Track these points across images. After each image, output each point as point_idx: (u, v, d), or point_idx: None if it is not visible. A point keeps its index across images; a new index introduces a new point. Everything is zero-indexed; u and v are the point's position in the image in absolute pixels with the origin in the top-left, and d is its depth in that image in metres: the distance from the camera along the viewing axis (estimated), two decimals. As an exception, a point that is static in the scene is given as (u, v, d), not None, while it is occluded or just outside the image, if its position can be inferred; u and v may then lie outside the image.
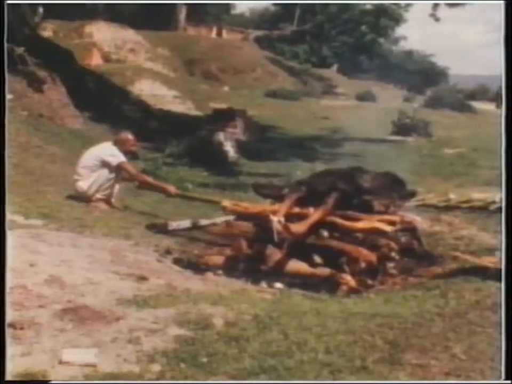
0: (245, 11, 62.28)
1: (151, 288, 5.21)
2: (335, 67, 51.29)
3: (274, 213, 6.56)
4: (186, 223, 8.01)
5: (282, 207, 6.74)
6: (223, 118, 18.20)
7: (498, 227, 8.24)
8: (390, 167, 10.02)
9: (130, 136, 9.20)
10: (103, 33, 34.42)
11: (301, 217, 6.67)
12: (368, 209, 6.79)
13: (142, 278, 5.49)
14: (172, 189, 9.05)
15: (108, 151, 8.89)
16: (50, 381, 3.44)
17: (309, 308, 4.81)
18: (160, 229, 7.71)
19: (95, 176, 8.74)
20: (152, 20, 38.24)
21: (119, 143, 9.00)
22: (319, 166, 11.70)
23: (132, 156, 9.40)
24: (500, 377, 3.64)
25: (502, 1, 4.13)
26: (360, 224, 6.57)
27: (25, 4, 16.80)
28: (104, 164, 8.77)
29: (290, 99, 33.03)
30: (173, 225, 7.88)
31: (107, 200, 8.87)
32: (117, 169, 8.82)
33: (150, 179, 9.51)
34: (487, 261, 6.49)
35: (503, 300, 3.85)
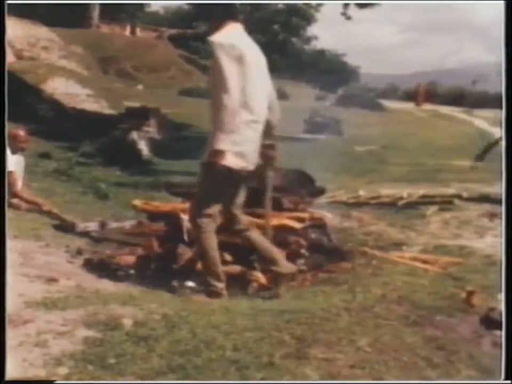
0: (159, 9, 61.85)
1: (61, 290, 5.11)
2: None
3: (185, 211, 6.53)
4: (94, 225, 7.90)
5: (194, 206, 6.70)
6: (137, 116, 18.03)
7: (405, 222, 8.48)
8: (302, 165, 10.14)
9: (21, 132, 8.84)
10: (15, 30, 33.54)
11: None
12: (277, 206, 6.82)
13: (52, 280, 5.39)
14: (45, 206, 8.67)
15: None
16: (53, 381, 3.43)
17: (218, 306, 4.81)
18: (67, 230, 7.59)
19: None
20: (65, 17, 37.54)
21: (8, 140, 8.72)
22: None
23: (22, 152, 9.02)
24: (401, 368, 3.72)
25: (502, 1, 4.17)
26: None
27: None
28: None
29: (205, 97, 32.93)
30: (80, 226, 7.77)
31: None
32: None
33: (25, 193, 8.97)
34: (395, 256, 6.65)
35: (504, 300, 3.91)
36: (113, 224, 8.09)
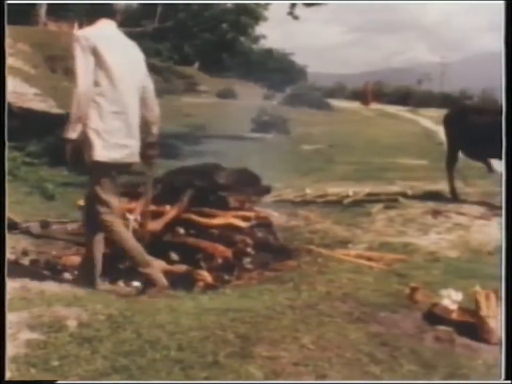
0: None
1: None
2: (196, 65, 51.38)
3: (131, 211, 6.50)
4: (36, 225, 7.80)
5: (139, 205, 6.69)
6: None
7: (351, 220, 8.56)
8: (250, 164, 10.16)
9: None
10: (-43, 28, 32.84)
11: (157, 215, 6.64)
12: (223, 205, 6.84)
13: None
14: None
15: None
16: (53, 381, 3.42)
17: (164, 306, 4.79)
18: (9, 228, 7.48)
19: None
20: (11, 15, 36.87)
21: None
22: (181, 164, 11.70)
23: None
24: (344, 364, 3.76)
25: (502, 1, 4.18)
26: (215, 221, 6.62)
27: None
28: None
29: (157, 96, 32.81)
30: (22, 226, 7.66)
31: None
32: None
33: None
34: (340, 253, 6.71)
35: (503, 300, 3.93)
36: (59, 225, 8.00)
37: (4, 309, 3.78)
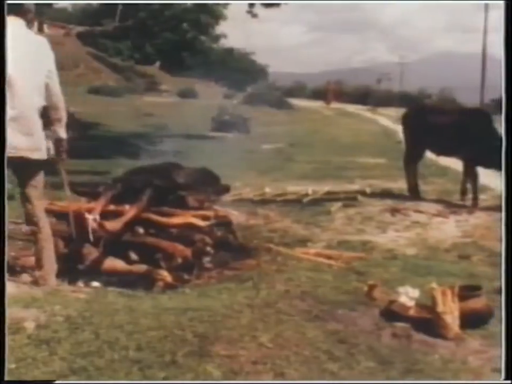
0: (67, 6, 60.60)
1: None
2: (157, 64, 51.23)
3: (90, 211, 6.45)
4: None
5: (98, 205, 6.64)
6: (43, 115, 17.61)
7: (310, 219, 8.61)
8: (210, 163, 10.13)
9: None
10: None
11: (116, 215, 6.60)
12: (183, 205, 6.82)
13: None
14: None
15: None
16: (53, 381, 3.41)
17: (122, 306, 4.77)
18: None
19: None
20: None
21: None
22: (142, 163, 11.65)
23: None
24: (302, 362, 3.79)
25: (502, 1, 4.19)
26: (175, 220, 6.60)
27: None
28: None
29: (114, 96, 32.68)
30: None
31: None
32: None
33: None
34: (299, 252, 6.74)
35: (503, 301, 3.92)
36: (17, 225, 7.89)
37: (3, 309, 3.75)
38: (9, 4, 5.52)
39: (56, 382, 3.45)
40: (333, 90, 52.81)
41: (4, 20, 4.19)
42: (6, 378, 3.49)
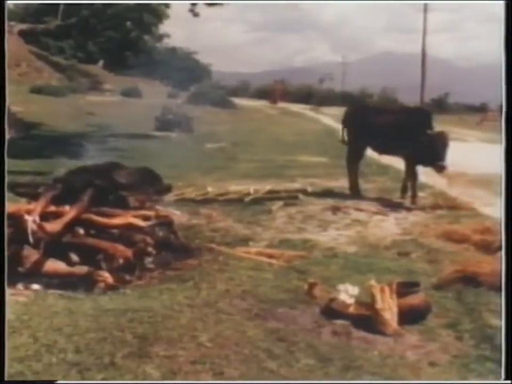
0: (9, 3, 59.50)
1: None
2: (101, 63, 50.68)
3: (29, 212, 6.35)
4: None
5: (37, 206, 6.54)
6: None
7: (252, 218, 8.63)
8: (153, 163, 10.09)
9: None
10: None
11: (56, 216, 6.52)
12: (123, 205, 6.78)
13: None
14: None
15: None
16: (53, 381, 3.41)
17: (62, 308, 4.73)
18: None
19: None
20: None
21: None
22: (85, 163, 11.53)
23: None
24: (241, 361, 3.80)
25: (502, 1, 4.20)
26: (115, 221, 6.54)
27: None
28: None
29: (56, 95, 32.18)
30: None
31: None
32: None
33: None
34: (241, 251, 6.76)
35: (503, 301, 3.96)
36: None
37: (3, 309, 3.76)
38: None
39: (56, 382, 3.42)
40: (279, 90, 52.98)
41: (3, 20, 4.13)
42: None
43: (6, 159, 4.18)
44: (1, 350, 3.60)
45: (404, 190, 10.28)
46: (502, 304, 3.96)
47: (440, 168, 9.85)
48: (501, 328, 4.67)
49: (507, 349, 3.85)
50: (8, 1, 4.23)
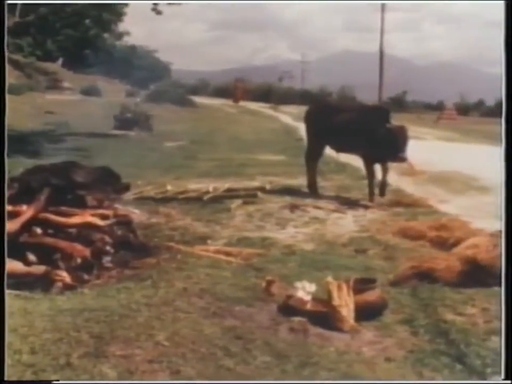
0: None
1: None
2: (60, 61, 50.16)
3: (-16, 212, 6.28)
4: None
5: (-8, 206, 6.47)
6: None
7: (211, 216, 8.64)
8: (112, 162, 10.02)
9: None
10: None
11: (13, 215, 6.46)
12: (81, 204, 6.74)
13: None
14: None
15: None
16: (52, 381, 3.40)
17: (18, 308, 4.68)
18: None
19: None
20: None
21: None
22: (43, 162, 11.42)
23: None
24: (198, 359, 3.81)
25: (502, 1, 4.19)
26: (73, 220, 6.51)
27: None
28: None
29: (15, 93, 31.80)
30: None
31: None
32: None
33: None
34: (199, 250, 6.76)
35: (503, 301, 3.93)
36: None
37: (3, 311, 3.72)
38: None
39: (58, 382, 3.43)
40: (241, 89, 53.02)
41: (3, 21, 4.09)
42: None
43: (6, 159, 4.17)
44: (1, 350, 3.58)
45: (372, 190, 10.18)
46: (502, 304, 3.94)
47: (401, 160, 9.94)
48: (455, 323, 4.78)
49: (507, 349, 3.84)
50: (8, 1, 4.18)
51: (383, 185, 10.14)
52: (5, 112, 4.13)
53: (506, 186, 4.11)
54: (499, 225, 7.69)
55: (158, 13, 23.68)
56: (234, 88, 53.40)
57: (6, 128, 4.12)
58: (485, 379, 3.91)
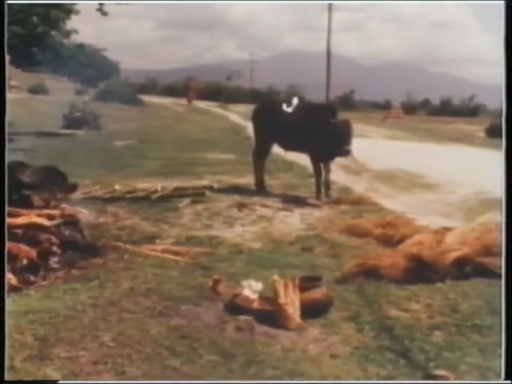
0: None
1: None
2: (7, 59, 49.40)
3: None
4: None
5: None
6: None
7: (159, 215, 8.62)
8: (60, 161, 9.93)
9: None
10: None
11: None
12: (27, 204, 6.67)
13: None
14: None
15: None
16: (53, 381, 3.39)
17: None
18: None
19: None
20: None
21: None
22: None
23: None
24: (144, 359, 3.82)
25: (502, 1, 4.21)
26: (19, 220, 6.43)
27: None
28: None
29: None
30: None
31: None
32: None
33: None
34: (147, 249, 6.75)
35: (503, 301, 3.94)
36: None
37: (3, 309, 3.72)
38: None
39: (58, 382, 3.43)
40: (193, 88, 52.85)
41: (3, 20, 4.03)
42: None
43: (6, 159, 4.10)
44: (1, 350, 3.57)
45: (319, 188, 10.27)
46: (502, 303, 3.99)
47: (345, 152, 10.03)
48: (399, 319, 4.86)
49: (507, 349, 3.89)
50: (8, 1, 4.13)
51: (327, 183, 10.24)
52: (5, 112, 4.08)
53: (507, 187, 4.15)
54: (443, 222, 7.92)
55: (104, 14, 23.46)
56: (186, 88, 53.19)
57: (6, 128, 4.06)
58: (427, 373, 3.98)
